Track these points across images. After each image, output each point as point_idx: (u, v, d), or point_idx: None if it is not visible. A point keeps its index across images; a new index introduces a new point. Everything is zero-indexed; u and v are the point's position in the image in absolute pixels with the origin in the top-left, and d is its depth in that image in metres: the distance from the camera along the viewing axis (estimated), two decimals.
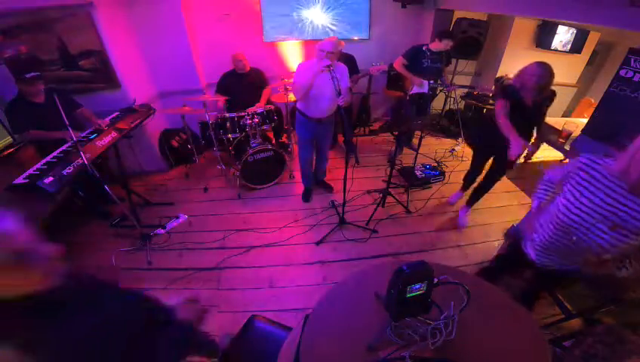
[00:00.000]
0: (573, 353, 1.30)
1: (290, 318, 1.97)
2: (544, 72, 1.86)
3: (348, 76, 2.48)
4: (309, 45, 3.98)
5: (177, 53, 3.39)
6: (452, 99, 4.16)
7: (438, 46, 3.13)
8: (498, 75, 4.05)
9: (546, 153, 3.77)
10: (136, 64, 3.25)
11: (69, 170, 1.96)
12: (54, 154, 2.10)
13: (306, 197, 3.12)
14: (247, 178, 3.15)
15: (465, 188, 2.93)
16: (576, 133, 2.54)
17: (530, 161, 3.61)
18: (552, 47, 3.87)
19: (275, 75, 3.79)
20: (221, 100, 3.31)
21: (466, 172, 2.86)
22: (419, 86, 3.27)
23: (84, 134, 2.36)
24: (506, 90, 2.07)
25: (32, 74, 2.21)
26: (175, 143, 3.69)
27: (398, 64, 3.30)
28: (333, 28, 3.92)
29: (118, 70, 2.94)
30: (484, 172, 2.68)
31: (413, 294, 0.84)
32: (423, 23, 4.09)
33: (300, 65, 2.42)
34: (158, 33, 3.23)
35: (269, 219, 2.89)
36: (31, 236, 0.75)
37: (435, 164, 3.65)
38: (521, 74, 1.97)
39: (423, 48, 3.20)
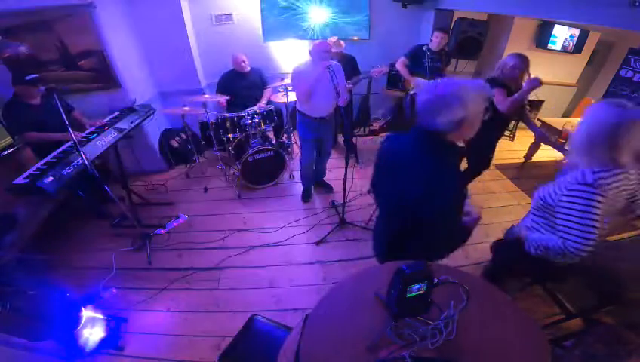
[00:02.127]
0: (573, 353, 1.30)
1: (290, 318, 1.97)
2: (524, 61, 2.12)
3: (344, 76, 2.49)
4: (309, 45, 3.98)
5: (177, 53, 3.39)
6: None
7: (434, 42, 3.15)
8: None
9: (546, 153, 3.78)
10: (137, 64, 3.25)
11: (69, 170, 1.96)
12: (54, 154, 2.10)
13: (306, 197, 3.12)
14: (247, 178, 3.15)
15: None
16: None
17: (530, 160, 3.62)
18: (552, 48, 3.87)
19: (274, 75, 3.79)
20: (223, 99, 3.31)
21: None
22: (418, 86, 3.27)
23: (84, 134, 2.36)
24: (496, 80, 2.21)
25: (33, 76, 2.19)
26: (175, 143, 3.69)
27: (400, 64, 3.32)
28: (333, 28, 3.91)
29: (118, 70, 2.94)
30: None
31: (413, 294, 0.84)
32: (423, 23, 4.08)
33: (295, 71, 2.41)
34: (159, 33, 3.23)
35: (269, 219, 2.88)
36: None
37: None
38: (503, 68, 2.19)
39: (424, 48, 3.21)
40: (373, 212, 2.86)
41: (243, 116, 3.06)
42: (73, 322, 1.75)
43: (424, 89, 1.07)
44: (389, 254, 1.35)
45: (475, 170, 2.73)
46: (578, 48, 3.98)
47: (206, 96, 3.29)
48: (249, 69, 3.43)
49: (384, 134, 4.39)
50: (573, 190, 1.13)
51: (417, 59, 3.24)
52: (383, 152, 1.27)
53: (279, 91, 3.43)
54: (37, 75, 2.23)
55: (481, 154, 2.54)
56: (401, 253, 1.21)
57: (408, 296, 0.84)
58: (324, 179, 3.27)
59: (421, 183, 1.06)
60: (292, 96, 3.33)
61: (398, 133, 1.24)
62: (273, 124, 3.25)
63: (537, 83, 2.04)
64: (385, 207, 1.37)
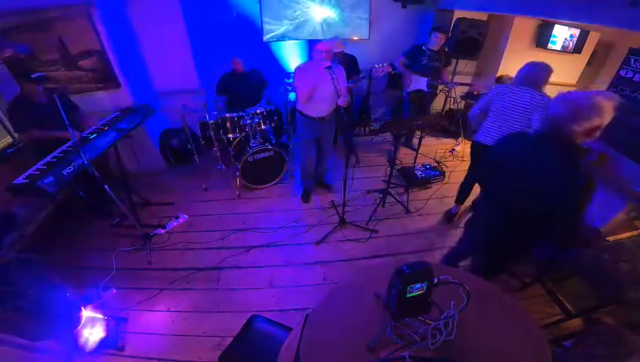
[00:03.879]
0: (574, 353, 1.29)
1: (290, 318, 1.96)
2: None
3: (345, 77, 2.49)
4: (308, 45, 3.98)
5: (177, 53, 3.39)
6: (452, 99, 4.16)
7: (433, 42, 3.16)
8: (498, 74, 4.05)
9: None
10: (136, 64, 3.25)
11: (69, 170, 1.96)
12: (54, 154, 2.09)
13: (306, 197, 3.12)
14: (247, 178, 3.15)
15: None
16: None
17: None
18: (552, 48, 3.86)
19: (275, 74, 3.79)
20: (222, 100, 3.30)
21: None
22: (415, 81, 3.28)
23: (84, 134, 2.35)
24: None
25: (38, 74, 2.20)
26: (175, 143, 3.69)
27: (399, 63, 3.32)
28: (334, 28, 3.91)
29: (118, 70, 2.94)
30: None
31: (414, 294, 0.84)
32: (423, 23, 4.08)
33: (298, 69, 2.42)
34: (158, 33, 3.23)
35: (269, 219, 2.88)
36: None
37: (435, 164, 3.65)
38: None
39: (423, 47, 3.22)
40: (373, 212, 2.86)
41: (243, 116, 3.06)
42: (73, 322, 1.75)
43: (559, 99, 1.17)
44: (494, 246, 1.49)
45: None
46: (578, 48, 3.97)
47: (206, 96, 3.29)
48: (248, 69, 3.42)
49: (384, 134, 4.39)
50: None
51: (416, 59, 3.24)
52: (497, 154, 1.42)
53: (279, 91, 3.43)
54: (43, 74, 2.22)
55: None
56: (506, 244, 1.41)
57: (408, 295, 0.84)
58: (324, 179, 3.27)
59: (552, 180, 1.19)
60: (292, 96, 3.33)
61: (511, 137, 1.42)
62: (273, 124, 3.25)
63: None
64: (496, 202, 1.46)
